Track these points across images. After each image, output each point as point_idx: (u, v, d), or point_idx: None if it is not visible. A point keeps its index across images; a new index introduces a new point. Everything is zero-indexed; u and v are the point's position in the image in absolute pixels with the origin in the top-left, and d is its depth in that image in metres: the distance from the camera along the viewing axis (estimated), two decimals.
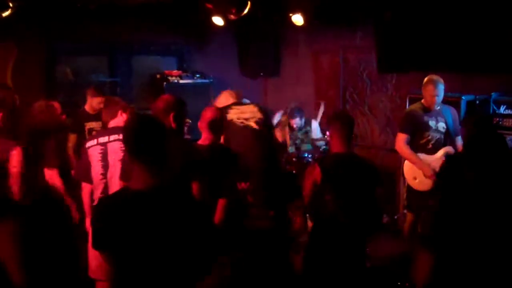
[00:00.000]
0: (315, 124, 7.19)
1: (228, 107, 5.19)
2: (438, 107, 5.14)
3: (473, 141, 3.46)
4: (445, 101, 5.20)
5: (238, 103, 5.39)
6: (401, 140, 5.21)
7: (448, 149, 5.10)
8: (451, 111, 5.23)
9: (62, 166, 4.57)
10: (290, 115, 7.00)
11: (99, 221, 2.42)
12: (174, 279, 2.39)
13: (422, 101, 5.20)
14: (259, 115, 5.24)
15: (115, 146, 4.02)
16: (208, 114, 4.12)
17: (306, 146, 7.02)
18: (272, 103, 8.78)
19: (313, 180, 3.80)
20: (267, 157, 4.89)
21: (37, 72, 6.95)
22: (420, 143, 5.18)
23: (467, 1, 5.05)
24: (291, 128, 7.06)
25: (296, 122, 6.96)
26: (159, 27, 7.34)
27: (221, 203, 3.87)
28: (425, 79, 5.13)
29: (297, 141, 7.04)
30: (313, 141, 7.00)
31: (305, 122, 7.07)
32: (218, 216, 3.85)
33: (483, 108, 5.50)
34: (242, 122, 5.20)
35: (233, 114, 5.18)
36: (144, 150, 2.41)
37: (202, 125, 4.13)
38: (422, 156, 5.13)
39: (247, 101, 8.52)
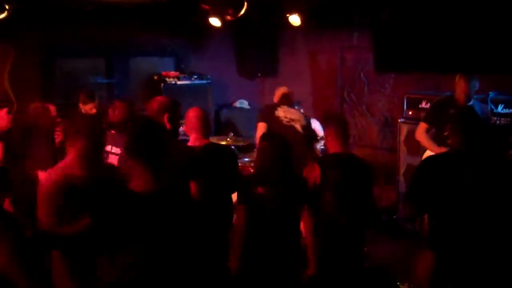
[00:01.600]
0: (315, 123, 7.15)
1: (277, 105, 5.73)
2: (470, 102, 5.06)
3: (474, 138, 3.45)
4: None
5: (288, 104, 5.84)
6: (420, 129, 5.26)
7: None
8: (480, 107, 5.14)
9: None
10: None
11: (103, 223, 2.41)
12: (175, 281, 2.38)
13: (455, 94, 5.15)
14: (304, 121, 5.67)
15: (114, 160, 3.89)
16: (191, 115, 4.10)
17: None
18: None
19: (313, 180, 3.80)
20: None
21: (34, 74, 6.94)
22: (442, 136, 5.10)
23: (465, 2, 5.04)
24: None
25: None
26: (156, 28, 7.33)
27: (240, 209, 3.65)
28: (457, 76, 5.10)
29: None
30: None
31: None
32: (240, 223, 3.63)
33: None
34: (288, 121, 5.58)
35: (281, 112, 5.62)
36: (145, 152, 2.42)
37: (187, 127, 4.10)
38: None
39: (245, 102, 8.58)
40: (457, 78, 5.11)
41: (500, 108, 5.45)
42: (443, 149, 5.00)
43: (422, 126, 5.24)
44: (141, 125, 2.58)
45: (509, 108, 5.39)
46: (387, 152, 6.85)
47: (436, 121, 5.14)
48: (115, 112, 4.08)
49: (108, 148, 3.96)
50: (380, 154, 7.15)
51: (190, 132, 4.09)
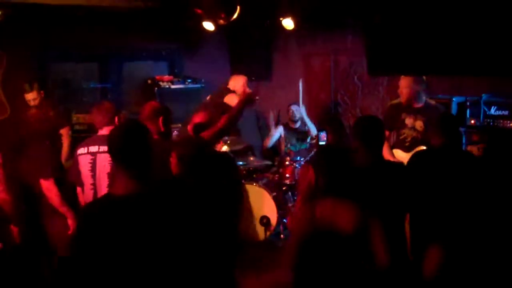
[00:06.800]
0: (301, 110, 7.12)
1: None
2: (421, 104, 5.13)
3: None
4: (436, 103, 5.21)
5: None
6: None
7: (422, 148, 4.98)
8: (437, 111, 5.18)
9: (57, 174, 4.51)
10: (287, 109, 7.05)
11: (82, 228, 2.41)
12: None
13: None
14: None
15: (103, 159, 3.88)
16: (194, 119, 4.10)
17: (302, 145, 7.01)
18: (263, 107, 8.78)
19: (308, 181, 3.79)
20: None
21: (28, 80, 6.91)
22: (399, 139, 5.27)
23: (457, 4, 5.07)
24: (289, 125, 7.08)
25: (294, 107, 7.00)
26: (150, 33, 7.32)
27: None
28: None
29: (293, 140, 7.02)
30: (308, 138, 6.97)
31: (302, 122, 7.06)
32: None
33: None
34: None
35: None
36: (126, 155, 2.40)
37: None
38: (398, 152, 5.18)
39: None
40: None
41: (493, 110, 5.47)
42: (399, 152, 5.07)
43: None
44: (122, 128, 2.58)
45: (501, 110, 5.41)
46: None
47: (390, 126, 5.22)
48: (101, 112, 4.07)
49: (95, 148, 3.94)
50: None
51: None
